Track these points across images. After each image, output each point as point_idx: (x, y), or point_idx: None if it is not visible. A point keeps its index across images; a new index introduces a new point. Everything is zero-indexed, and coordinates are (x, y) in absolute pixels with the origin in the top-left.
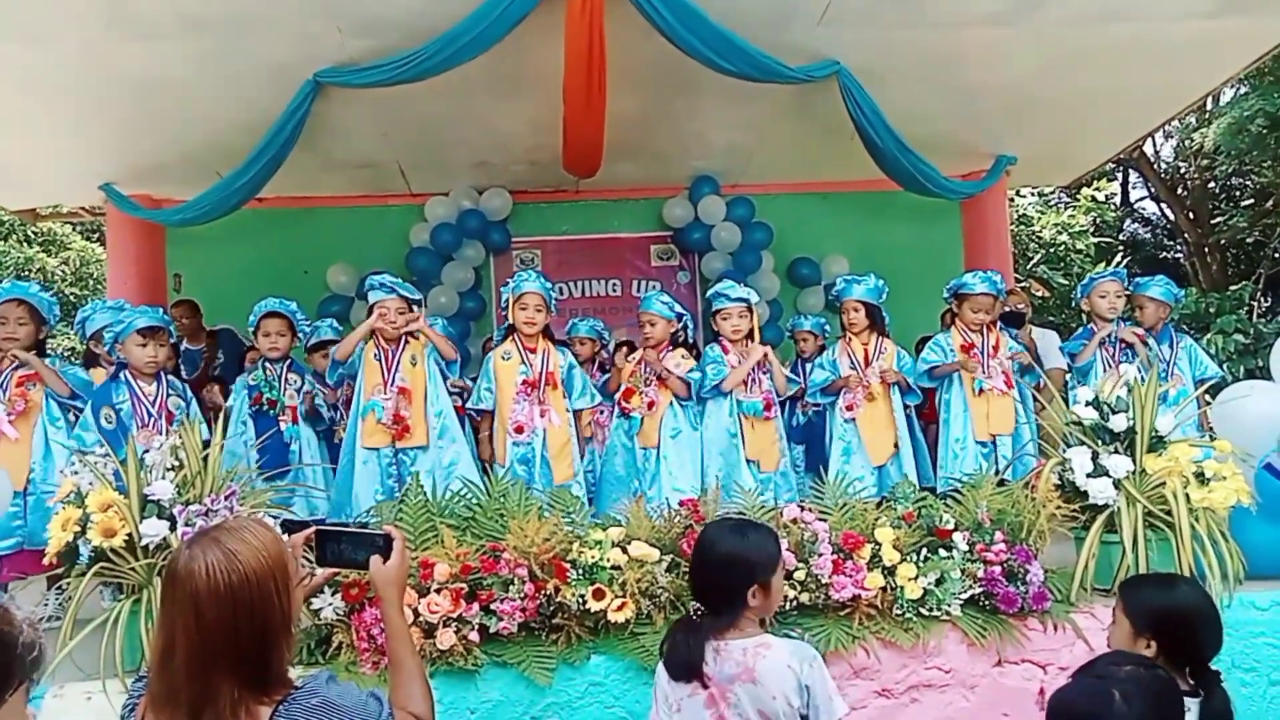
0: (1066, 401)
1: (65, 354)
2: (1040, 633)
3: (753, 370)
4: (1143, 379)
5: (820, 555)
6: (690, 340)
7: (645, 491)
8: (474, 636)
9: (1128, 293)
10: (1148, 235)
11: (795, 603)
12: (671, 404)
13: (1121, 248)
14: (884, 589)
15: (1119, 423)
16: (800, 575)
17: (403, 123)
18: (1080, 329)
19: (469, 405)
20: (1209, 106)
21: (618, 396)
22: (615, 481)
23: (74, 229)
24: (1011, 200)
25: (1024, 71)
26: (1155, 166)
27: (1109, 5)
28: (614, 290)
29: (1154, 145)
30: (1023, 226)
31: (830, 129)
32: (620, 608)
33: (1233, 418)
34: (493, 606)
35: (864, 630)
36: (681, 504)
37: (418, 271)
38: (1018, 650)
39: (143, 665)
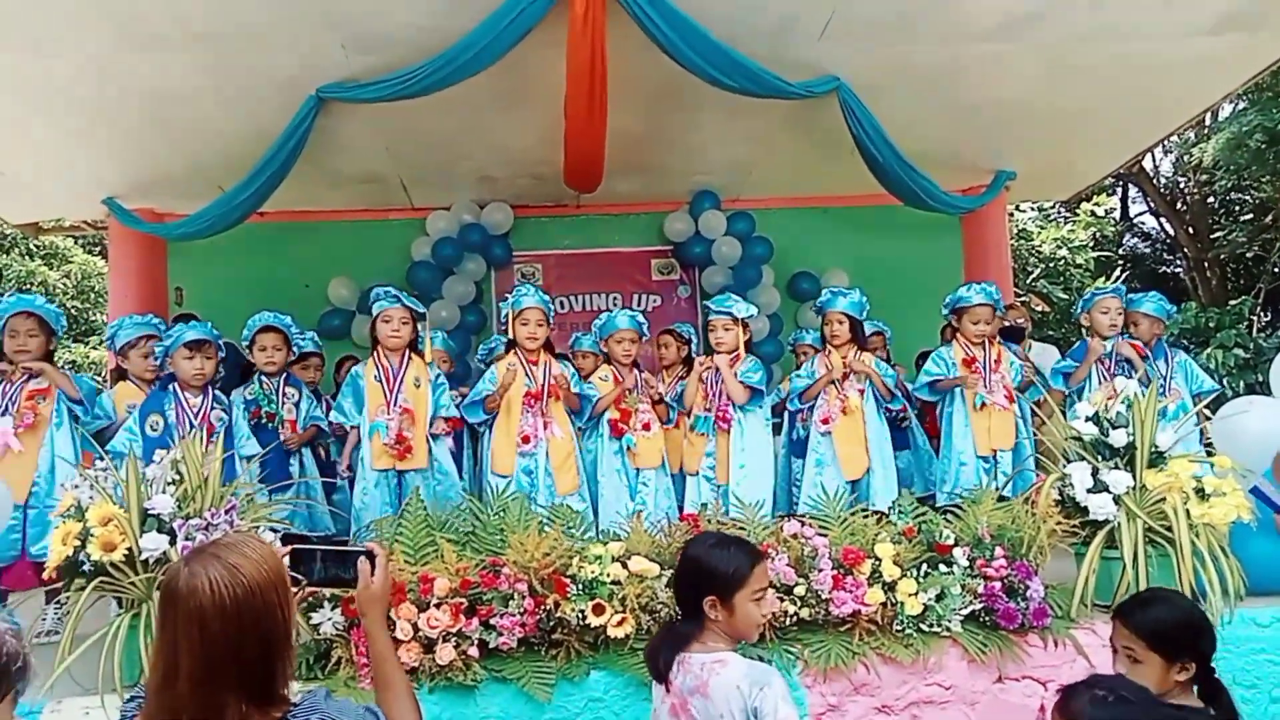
0: (1066, 416)
1: (69, 366)
2: (1041, 649)
3: (713, 386)
4: (1142, 394)
5: (820, 570)
6: (694, 355)
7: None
8: (473, 652)
9: (1123, 309)
10: (1147, 250)
11: (795, 618)
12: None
13: (1121, 262)
14: (884, 604)
15: (1119, 438)
16: (800, 590)
17: (405, 137)
18: (1078, 344)
19: (468, 402)
20: (1208, 122)
21: (611, 417)
22: (608, 502)
23: (76, 242)
24: (1011, 215)
25: (1024, 87)
26: (1155, 181)
27: (1108, 21)
28: (615, 304)
29: (1153, 160)
30: (1022, 241)
31: (830, 144)
32: (620, 623)
33: (1232, 433)
34: (492, 621)
35: (864, 646)
36: (682, 518)
37: (419, 285)
38: (1018, 666)
39: (142, 680)
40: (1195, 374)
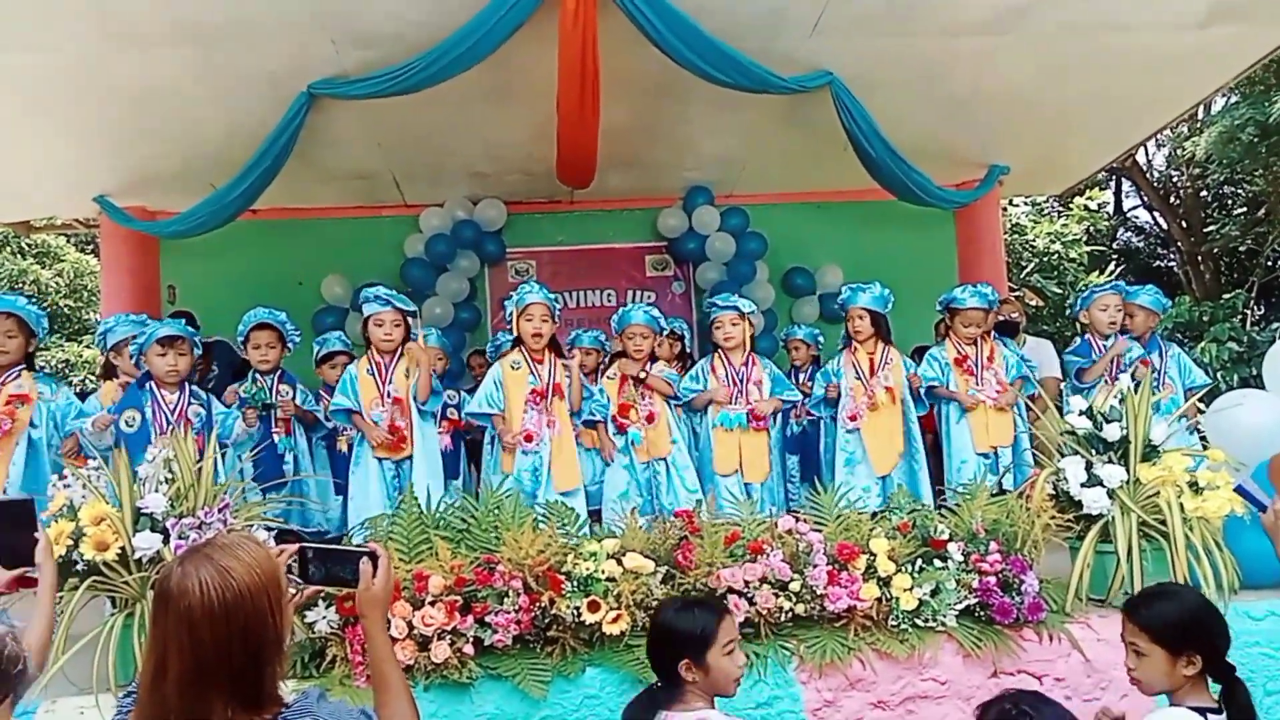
0: (1060, 411)
1: (60, 366)
2: (1036, 643)
3: (739, 382)
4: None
5: (815, 566)
6: (688, 352)
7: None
8: (468, 649)
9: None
10: (1141, 244)
11: (790, 614)
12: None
13: (1115, 256)
14: (879, 600)
15: (1112, 432)
16: (795, 586)
17: (397, 134)
18: (1079, 340)
19: (470, 410)
20: (1200, 115)
21: (612, 413)
22: (618, 499)
23: (68, 241)
24: (1005, 209)
25: (1016, 81)
26: (1148, 175)
27: (1100, 14)
28: (609, 301)
29: (1146, 154)
30: (1016, 236)
31: (823, 139)
32: (615, 620)
33: (1226, 427)
34: (487, 619)
35: (859, 641)
36: (676, 515)
37: (412, 282)
38: (1013, 661)
39: (135, 679)
40: (1188, 368)
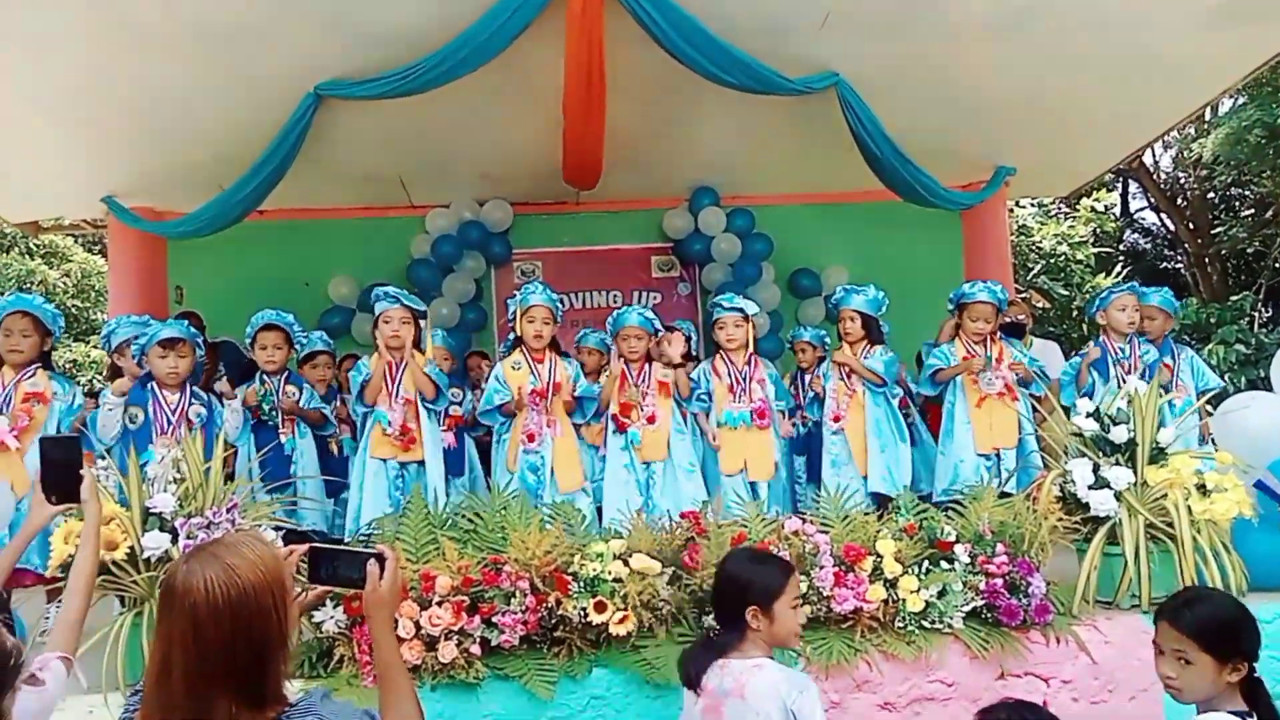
0: (1067, 413)
1: (67, 366)
2: (1043, 645)
3: (742, 382)
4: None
5: (822, 568)
6: (694, 352)
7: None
8: (475, 649)
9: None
10: (1148, 245)
11: None
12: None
13: (1122, 258)
14: (886, 601)
15: (1120, 434)
16: (802, 588)
17: (404, 135)
18: (1091, 341)
19: (481, 410)
20: (1208, 117)
21: (613, 412)
22: (615, 500)
23: (76, 241)
24: (1011, 211)
25: (1023, 82)
26: (1155, 176)
27: (1107, 17)
28: (615, 302)
29: (1153, 155)
30: (1022, 237)
31: (830, 140)
32: (622, 620)
33: (1234, 429)
34: (494, 619)
35: (866, 643)
36: (683, 516)
37: (419, 283)
38: (1020, 663)
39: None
40: (1201, 370)
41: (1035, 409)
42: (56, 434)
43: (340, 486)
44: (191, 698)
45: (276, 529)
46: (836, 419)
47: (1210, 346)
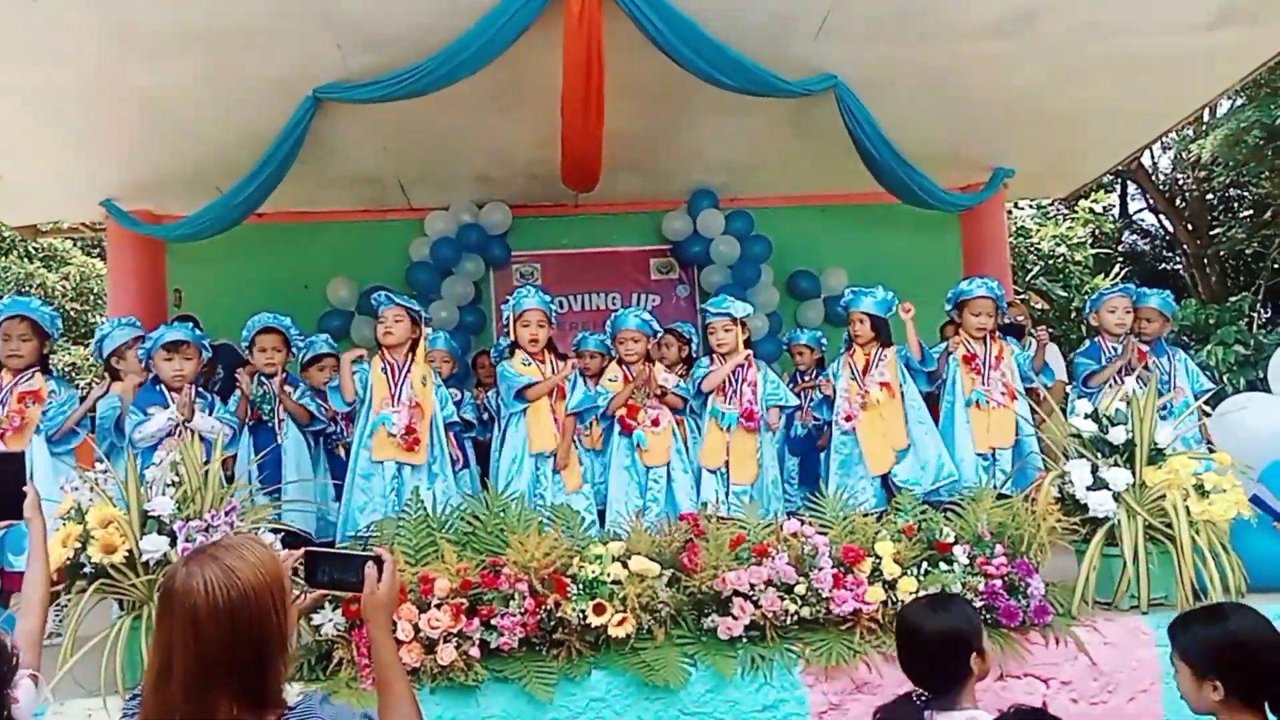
0: (1066, 414)
1: (66, 369)
2: (1042, 646)
3: (734, 383)
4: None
5: (821, 569)
6: (694, 355)
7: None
8: (474, 652)
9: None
10: (1146, 247)
11: (796, 617)
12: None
13: (1120, 259)
14: (885, 603)
15: (1118, 435)
16: (801, 590)
17: (402, 138)
18: (1089, 344)
19: (516, 385)
20: (1206, 118)
21: (620, 414)
22: (618, 501)
23: (75, 244)
24: (1010, 212)
25: (1021, 84)
26: (1153, 178)
27: (1105, 19)
28: (614, 304)
29: (1152, 157)
30: (1021, 239)
31: (828, 142)
32: (621, 623)
33: (1231, 430)
34: (493, 622)
35: (865, 644)
36: (681, 518)
37: (417, 286)
38: (1020, 664)
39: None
40: (1193, 372)
41: (1034, 410)
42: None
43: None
44: (191, 700)
45: (275, 531)
46: (848, 418)
47: (1209, 347)
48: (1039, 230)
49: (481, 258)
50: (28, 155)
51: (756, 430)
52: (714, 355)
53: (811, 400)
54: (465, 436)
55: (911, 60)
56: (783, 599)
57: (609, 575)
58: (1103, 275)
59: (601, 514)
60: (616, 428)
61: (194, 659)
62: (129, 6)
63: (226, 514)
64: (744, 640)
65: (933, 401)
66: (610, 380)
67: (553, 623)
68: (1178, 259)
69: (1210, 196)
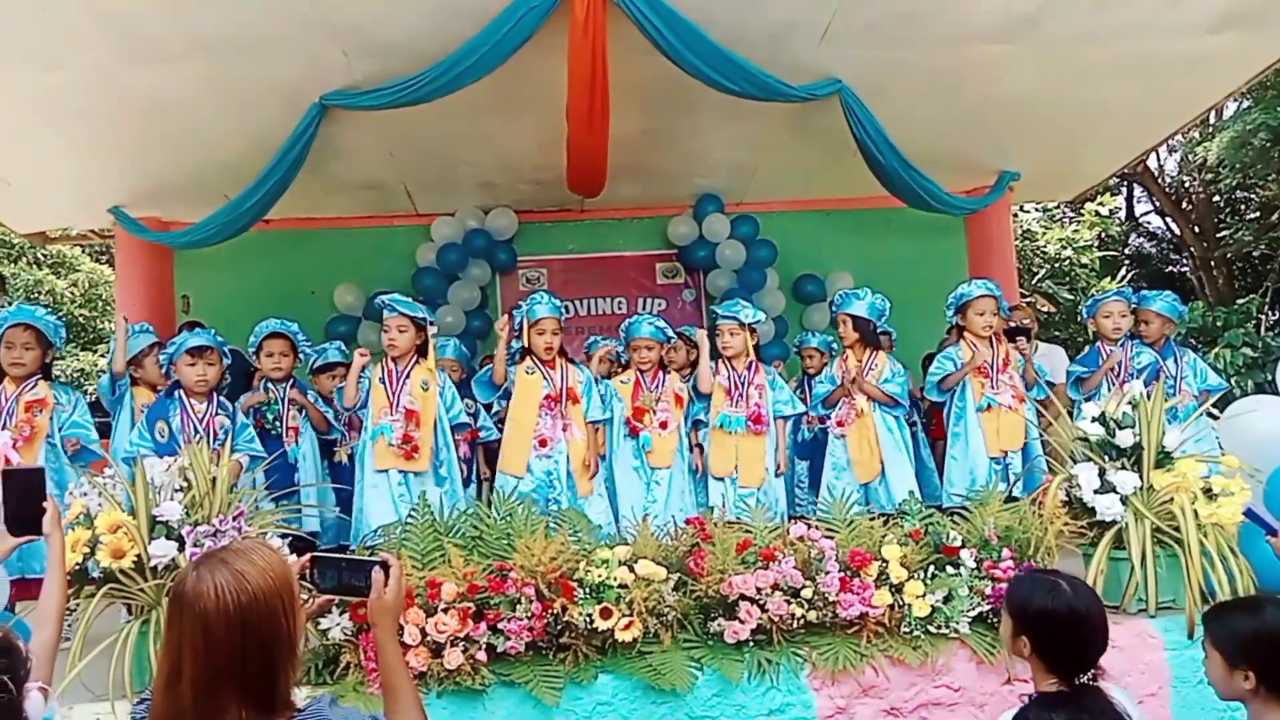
0: (1073, 417)
1: (74, 375)
2: None
3: (741, 387)
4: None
5: (827, 573)
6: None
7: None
8: (481, 656)
9: (1134, 308)
10: (1153, 249)
11: (803, 621)
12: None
13: (1127, 262)
14: (891, 607)
15: (1125, 438)
16: (808, 593)
17: (408, 144)
18: (1088, 349)
19: (477, 378)
20: (1212, 120)
21: (627, 415)
22: (623, 501)
23: (83, 251)
24: (1015, 216)
25: (1026, 88)
26: (1159, 180)
27: (1110, 22)
28: (620, 308)
29: (1158, 159)
30: (1027, 242)
31: (833, 146)
32: (627, 626)
33: (1239, 433)
34: (500, 626)
35: (872, 648)
36: (688, 522)
37: (424, 291)
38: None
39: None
40: (1203, 372)
41: (1041, 414)
42: (16, 466)
43: (348, 495)
44: (201, 703)
45: (283, 536)
46: (840, 424)
47: (1216, 350)
48: (1045, 233)
49: (488, 263)
50: (36, 162)
51: (764, 433)
52: (720, 358)
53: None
54: (474, 442)
55: (915, 64)
56: (789, 603)
57: (616, 579)
58: (1109, 278)
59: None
60: (623, 430)
61: (204, 662)
62: (136, 14)
63: (234, 519)
64: (750, 644)
65: (936, 412)
66: (623, 383)
67: (559, 627)
68: (1184, 261)
69: (1217, 199)
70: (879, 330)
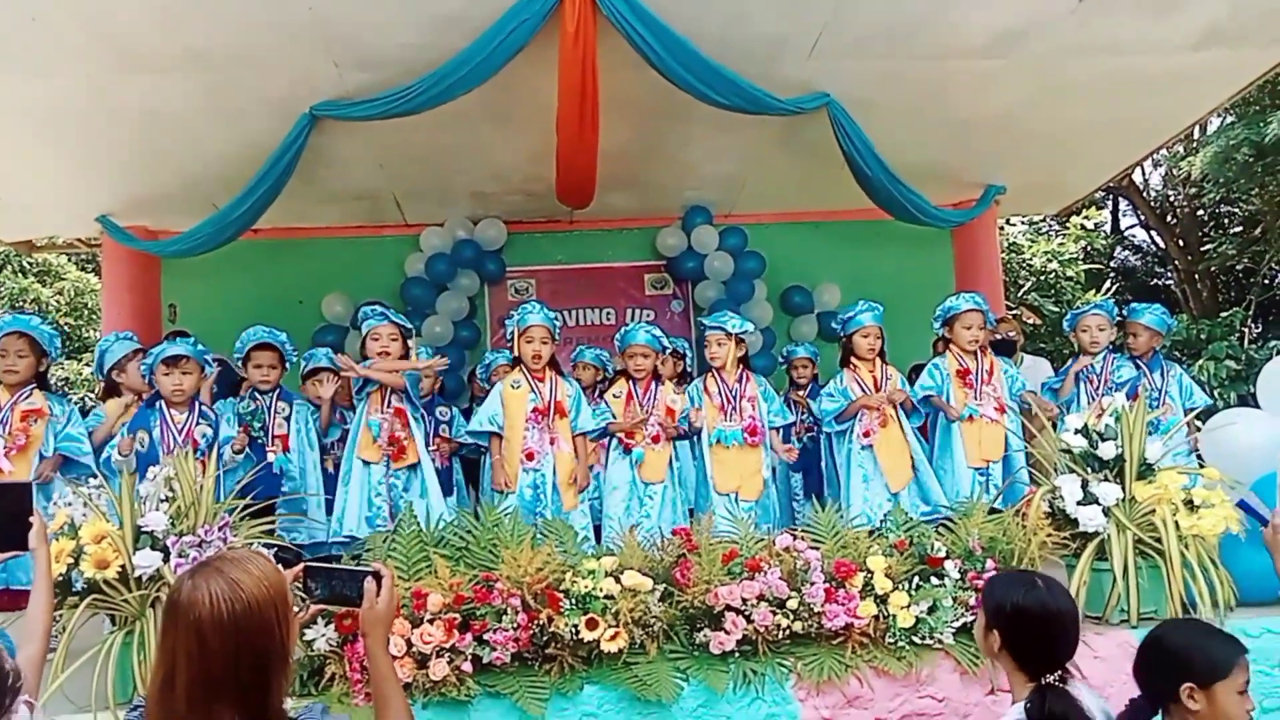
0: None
1: (59, 384)
2: None
3: (733, 400)
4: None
5: (813, 584)
6: (689, 370)
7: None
8: (467, 667)
9: (1122, 319)
10: (1138, 262)
11: (788, 632)
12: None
13: (1112, 275)
14: (876, 617)
15: (1108, 450)
16: (793, 604)
17: (398, 154)
18: (1070, 360)
19: (470, 429)
20: (1196, 135)
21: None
22: (613, 517)
23: (69, 259)
24: (1002, 229)
25: (1013, 102)
26: (1144, 194)
27: (1095, 37)
28: (608, 319)
29: (1143, 173)
30: (1013, 255)
31: (821, 159)
32: (613, 637)
33: (1221, 445)
34: (486, 636)
35: (857, 659)
36: (674, 533)
37: (413, 301)
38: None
39: (135, 697)
40: (1189, 388)
41: (1025, 426)
42: (5, 481)
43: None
44: (194, 711)
45: (268, 547)
46: (867, 434)
47: (1200, 362)
48: (1031, 246)
49: (477, 273)
50: (24, 171)
51: (760, 444)
52: (709, 370)
53: (804, 415)
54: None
55: (903, 78)
56: (775, 613)
57: (602, 590)
58: (1094, 291)
59: (597, 529)
60: (614, 444)
61: (198, 671)
62: (127, 24)
63: (220, 529)
64: (736, 655)
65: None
66: (614, 397)
67: (545, 637)
68: (1169, 275)
69: (1201, 213)
70: None
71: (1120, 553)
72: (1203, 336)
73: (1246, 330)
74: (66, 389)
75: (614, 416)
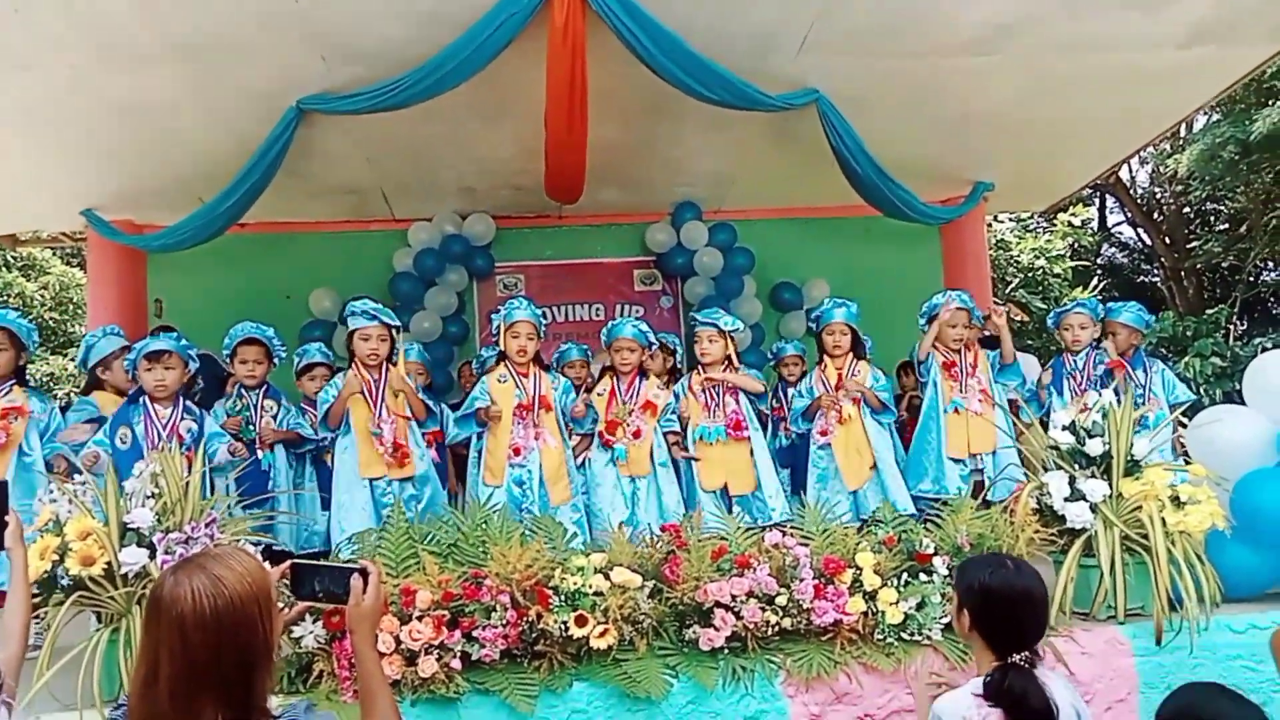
0: (1045, 425)
1: (44, 379)
2: None
3: (717, 396)
4: (1118, 404)
5: (802, 580)
6: (679, 366)
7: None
8: (456, 664)
9: (1103, 319)
10: (1125, 259)
11: (777, 628)
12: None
13: (1099, 272)
14: (865, 614)
15: (1095, 447)
16: (782, 600)
17: (386, 148)
18: (1055, 357)
19: (459, 414)
20: (1182, 133)
21: (600, 429)
22: (601, 514)
23: (54, 254)
24: (990, 226)
25: (1001, 99)
26: (1131, 192)
27: (1083, 35)
28: (597, 315)
29: (1130, 171)
30: (1001, 252)
31: (810, 155)
32: (603, 634)
33: (1206, 442)
34: (475, 634)
35: (846, 655)
36: (663, 529)
37: (401, 296)
38: None
39: (121, 694)
40: (1172, 383)
41: (1015, 422)
42: None
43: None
44: (177, 707)
45: (255, 544)
46: (824, 433)
47: (1186, 359)
48: (1019, 243)
49: (465, 269)
50: (8, 164)
51: (746, 438)
52: (697, 365)
53: (790, 411)
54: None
55: (892, 75)
56: (764, 610)
57: (591, 587)
58: (1081, 288)
59: (589, 526)
60: (597, 441)
61: (180, 667)
62: (111, 17)
63: (206, 526)
64: (725, 651)
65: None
66: (599, 395)
67: (534, 634)
68: (1155, 272)
69: (1187, 210)
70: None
71: (1107, 549)
72: (1188, 333)
73: (1232, 327)
74: (51, 385)
75: (598, 414)
